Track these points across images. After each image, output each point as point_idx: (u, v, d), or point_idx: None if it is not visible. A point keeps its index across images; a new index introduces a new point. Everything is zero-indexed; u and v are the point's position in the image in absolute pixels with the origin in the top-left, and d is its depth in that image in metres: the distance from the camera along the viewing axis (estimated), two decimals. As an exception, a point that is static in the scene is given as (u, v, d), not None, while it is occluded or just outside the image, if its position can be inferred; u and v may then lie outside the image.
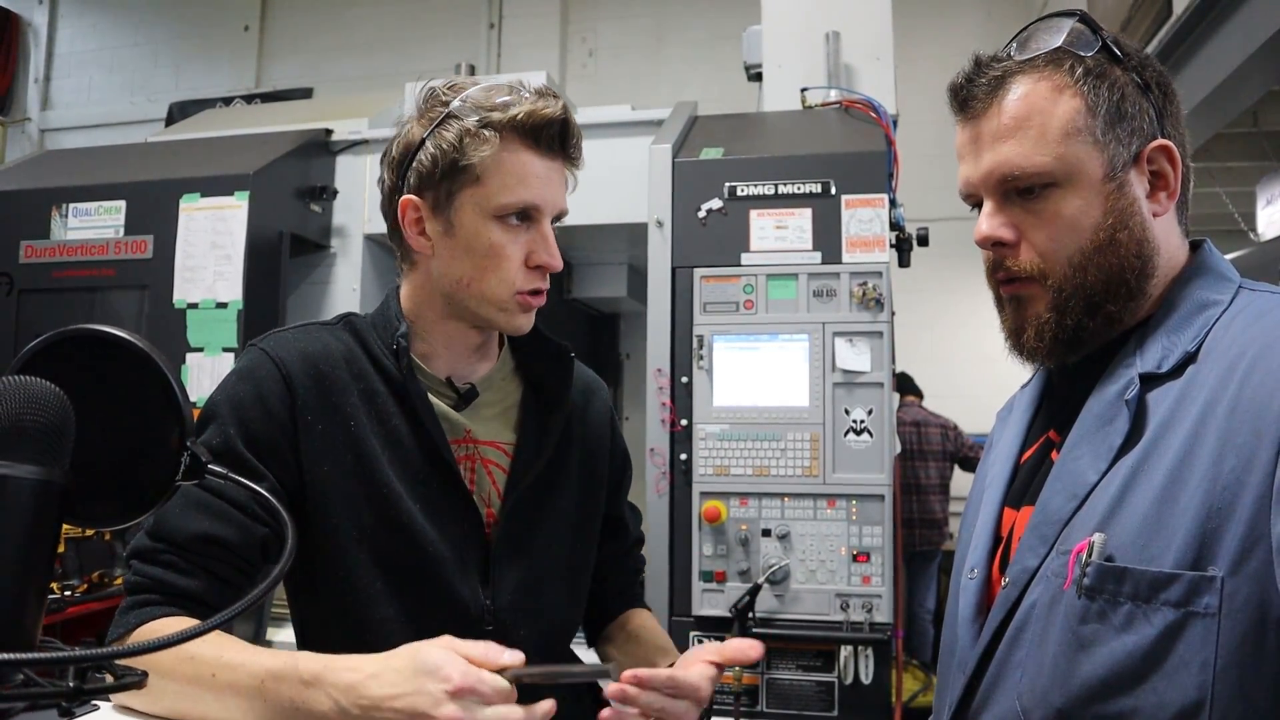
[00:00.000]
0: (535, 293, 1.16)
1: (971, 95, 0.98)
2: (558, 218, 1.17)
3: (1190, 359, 0.88)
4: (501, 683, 0.87)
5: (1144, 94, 0.95)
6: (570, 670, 1.02)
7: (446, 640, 0.90)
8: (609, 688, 0.98)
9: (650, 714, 0.99)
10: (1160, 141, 0.95)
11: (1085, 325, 0.94)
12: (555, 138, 1.13)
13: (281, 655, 0.96)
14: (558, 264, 1.15)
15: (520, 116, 1.10)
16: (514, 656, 0.90)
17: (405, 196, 1.15)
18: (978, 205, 1.00)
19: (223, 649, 0.97)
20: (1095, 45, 0.95)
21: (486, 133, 1.10)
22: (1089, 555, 0.84)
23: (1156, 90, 0.96)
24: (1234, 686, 0.77)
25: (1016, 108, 0.94)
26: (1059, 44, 0.96)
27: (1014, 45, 0.99)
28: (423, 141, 1.12)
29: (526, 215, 1.13)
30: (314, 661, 0.94)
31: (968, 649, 0.97)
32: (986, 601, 0.98)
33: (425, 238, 1.15)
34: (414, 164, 1.13)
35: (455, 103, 1.12)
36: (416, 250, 1.16)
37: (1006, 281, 0.99)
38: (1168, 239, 0.97)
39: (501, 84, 1.15)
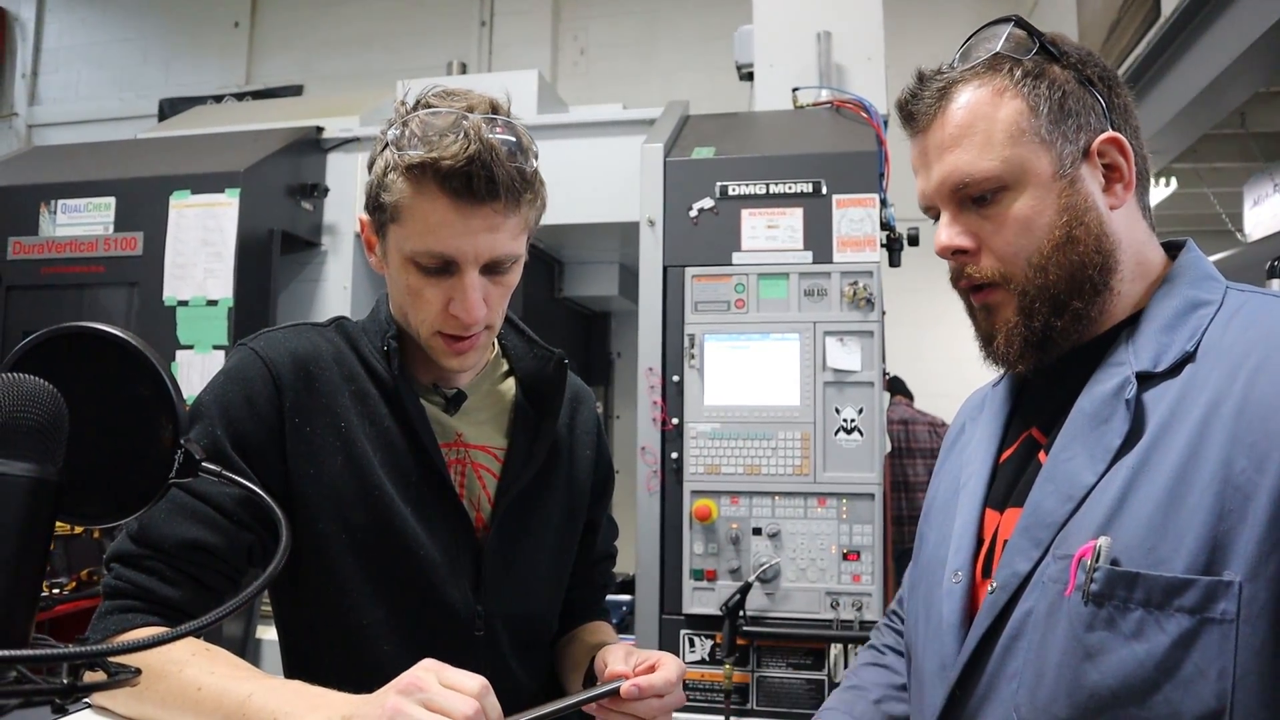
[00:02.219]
0: (458, 338, 1.09)
1: (917, 110, 0.99)
2: (498, 264, 1.08)
3: (1188, 358, 0.87)
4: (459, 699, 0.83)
5: (1088, 89, 0.96)
6: (579, 698, 1.00)
7: (429, 663, 0.87)
8: (625, 686, 1.00)
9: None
10: (1109, 134, 0.95)
11: (1053, 325, 0.94)
12: (466, 187, 1.01)
13: (277, 678, 0.96)
14: (471, 319, 1.07)
15: (421, 162, 1.01)
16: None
17: (361, 214, 1.13)
18: (937, 217, 1.01)
19: (215, 664, 0.95)
20: (1033, 48, 0.97)
21: (396, 175, 1.04)
22: (1095, 560, 0.81)
23: (1101, 85, 0.97)
24: (1254, 694, 0.74)
25: (960, 116, 0.96)
26: (997, 50, 0.97)
27: (956, 57, 1.01)
28: (372, 161, 1.09)
29: (445, 263, 1.05)
30: (312, 687, 0.92)
31: (951, 656, 0.94)
32: (970, 607, 0.96)
33: (375, 257, 1.14)
34: (367, 184, 1.11)
35: (392, 131, 1.06)
36: (374, 267, 1.15)
37: (973, 290, 0.99)
38: (1131, 232, 0.97)
39: (445, 115, 1.04)
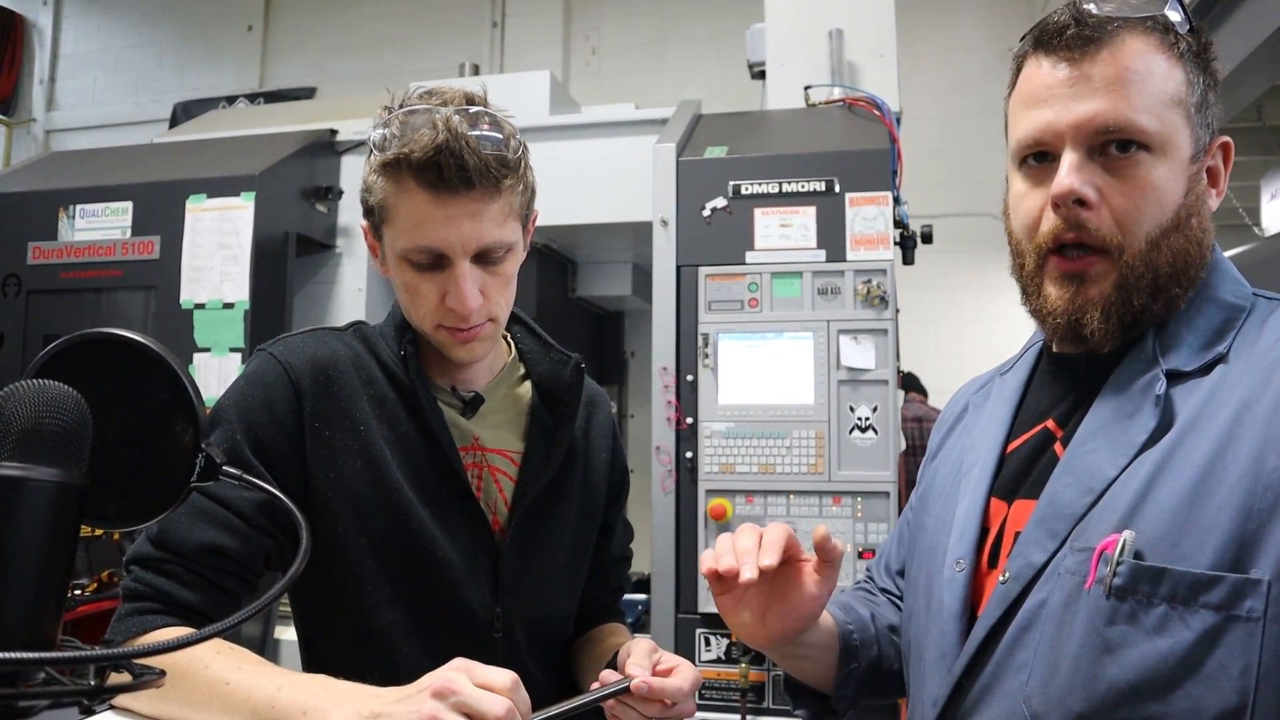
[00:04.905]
0: (460, 329, 1.10)
1: (1080, 36, 0.90)
2: (489, 253, 1.08)
3: (1220, 359, 0.87)
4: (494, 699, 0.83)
5: (1215, 90, 0.94)
6: (593, 696, 1.00)
7: (460, 662, 0.88)
8: (635, 683, 1.00)
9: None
10: (1225, 139, 0.94)
11: (1149, 308, 0.90)
12: (439, 177, 1.03)
13: (302, 674, 0.96)
14: (465, 310, 1.07)
15: (393, 160, 1.03)
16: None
17: (362, 221, 1.15)
18: (1037, 158, 0.93)
19: (240, 661, 0.96)
20: (1187, 26, 0.92)
21: (376, 176, 1.07)
22: (1120, 553, 0.80)
23: (1216, 90, 0.95)
24: (1277, 692, 0.74)
25: (1134, 61, 0.89)
26: (1164, 14, 0.91)
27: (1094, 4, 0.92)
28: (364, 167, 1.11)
29: (436, 257, 1.07)
30: (338, 681, 0.93)
31: (954, 646, 0.93)
32: (973, 595, 0.95)
33: (379, 262, 1.16)
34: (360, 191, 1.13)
35: (374, 135, 1.07)
36: (381, 272, 1.17)
37: (1075, 247, 0.91)
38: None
39: (421, 113, 1.05)
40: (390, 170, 1.05)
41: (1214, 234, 0.95)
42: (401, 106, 1.08)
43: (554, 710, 0.92)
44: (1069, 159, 0.90)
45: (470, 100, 1.09)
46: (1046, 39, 0.93)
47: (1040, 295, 0.95)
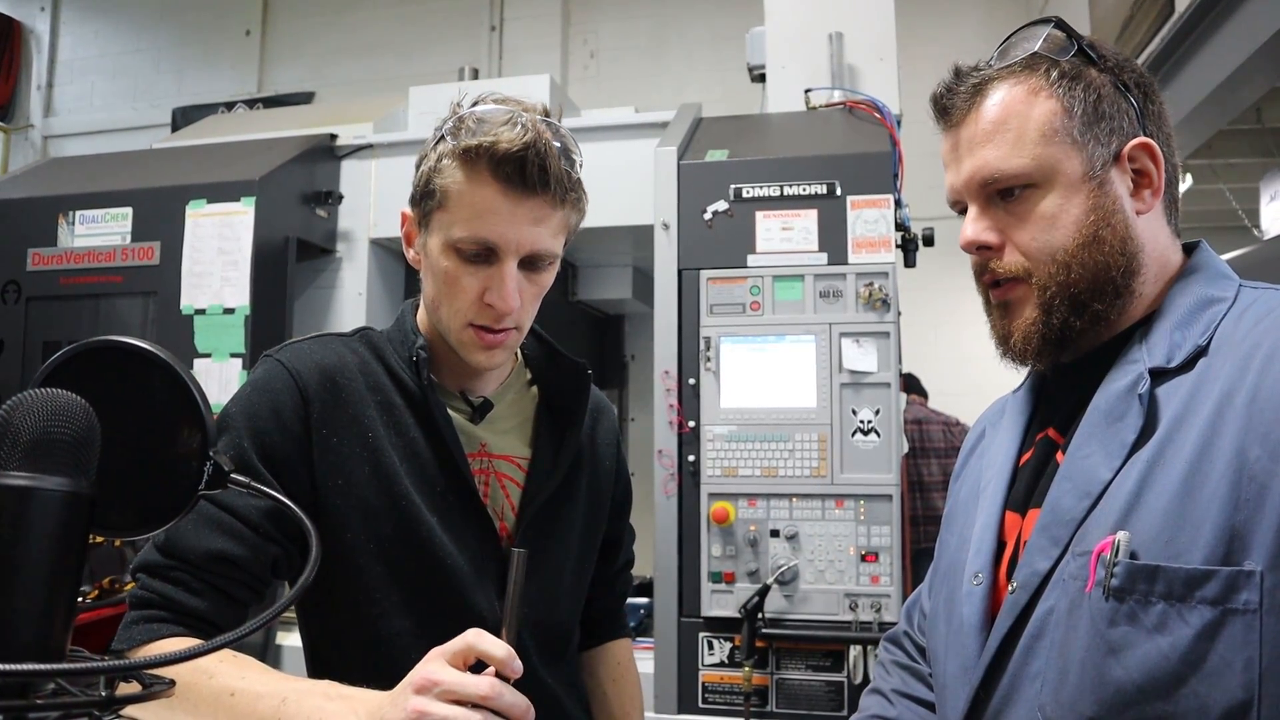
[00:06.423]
0: (490, 330, 1.11)
1: (952, 104, 1.01)
2: (537, 260, 1.10)
3: (1201, 353, 0.88)
4: (470, 679, 0.86)
5: (1123, 94, 0.96)
6: (515, 593, 0.95)
7: (434, 652, 0.90)
8: None
9: None
10: (1141, 139, 0.96)
11: (1072, 324, 0.95)
12: (519, 173, 1.04)
13: (307, 680, 0.97)
14: (506, 307, 1.08)
15: (476, 147, 1.05)
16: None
17: (405, 208, 1.16)
18: (964, 212, 1.02)
19: (245, 669, 0.96)
20: (1071, 49, 0.97)
21: (450, 161, 1.07)
22: (1115, 554, 0.81)
23: (1136, 91, 0.97)
24: None
25: (994, 113, 0.97)
26: (1035, 50, 0.98)
27: (995, 55, 1.02)
28: (424, 155, 1.12)
29: (486, 251, 1.08)
30: (343, 687, 0.94)
31: (973, 659, 0.94)
32: (992, 608, 0.96)
33: (413, 250, 1.16)
34: (416, 176, 1.14)
35: (448, 125, 1.09)
36: (410, 261, 1.17)
37: (994, 285, 1.00)
38: (1155, 237, 0.97)
39: (501, 111, 1.08)
40: (468, 157, 1.05)
41: (1153, 232, 0.97)
42: (475, 105, 1.10)
43: (509, 617, 0.92)
44: (969, 212, 1.00)
45: (547, 114, 1.11)
46: (934, 111, 1.04)
47: (991, 322, 1.04)
